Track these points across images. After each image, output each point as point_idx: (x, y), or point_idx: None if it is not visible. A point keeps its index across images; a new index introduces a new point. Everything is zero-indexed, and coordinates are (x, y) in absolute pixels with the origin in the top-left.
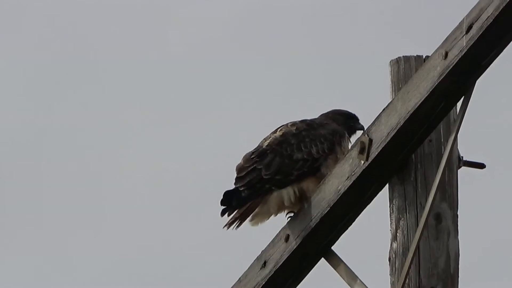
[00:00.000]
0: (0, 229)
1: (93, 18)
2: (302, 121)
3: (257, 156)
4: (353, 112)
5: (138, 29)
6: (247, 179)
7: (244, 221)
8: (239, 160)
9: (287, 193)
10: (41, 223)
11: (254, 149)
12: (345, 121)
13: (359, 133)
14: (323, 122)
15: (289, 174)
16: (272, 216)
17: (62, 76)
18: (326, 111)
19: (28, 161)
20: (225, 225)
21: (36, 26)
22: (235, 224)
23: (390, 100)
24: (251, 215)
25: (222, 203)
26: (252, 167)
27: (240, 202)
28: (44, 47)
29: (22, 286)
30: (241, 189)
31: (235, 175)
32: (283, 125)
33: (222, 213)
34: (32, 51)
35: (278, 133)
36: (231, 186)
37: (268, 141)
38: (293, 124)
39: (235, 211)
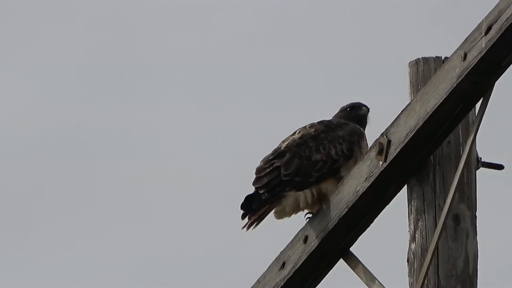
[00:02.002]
0: (36, 227)
1: (136, 18)
2: (320, 123)
3: (276, 157)
4: (351, 102)
5: (176, 28)
6: (266, 180)
7: (261, 221)
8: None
9: (304, 194)
10: (72, 222)
11: (273, 151)
12: (349, 115)
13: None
14: (340, 122)
15: (309, 176)
16: (292, 215)
17: (106, 77)
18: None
19: (59, 160)
20: (244, 227)
21: (87, 24)
22: (253, 225)
23: (409, 101)
24: (271, 212)
25: (243, 207)
26: (272, 167)
27: (260, 205)
28: (92, 46)
29: (56, 285)
30: (261, 191)
31: (254, 177)
32: (301, 128)
33: (243, 217)
34: (82, 51)
35: (296, 135)
36: (252, 188)
37: (286, 142)
38: (311, 126)
39: (255, 214)
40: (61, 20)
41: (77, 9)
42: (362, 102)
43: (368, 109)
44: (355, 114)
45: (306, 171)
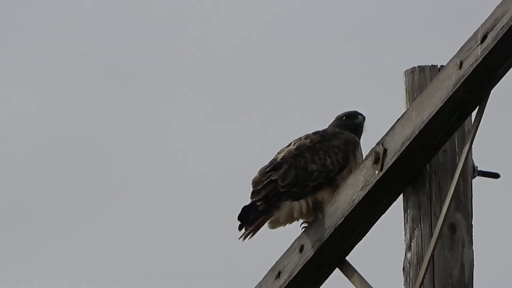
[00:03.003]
0: (52, 229)
1: (144, 17)
2: (315, 133)
3: (272, 169)
4: (347, 111)
5: (185, 27)
6: (264, 193)
7: (257, 231)
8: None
9: (299, 204)
10: (70, 223)
11: (269, 162)
12: (345, 124)
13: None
14: (335, 132)
15: (305, 185)
16: (286, 225)
17: (112, 76)
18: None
19: (57, 162)
20: (241, 237)
21: (98, 24)
22: (249, 235)
23: (404, 110)
24: (267, 222)
25: (240, 218)
26: (268, 180)
27: (257, 216)
28: (102, 46)
29: (53, 285)
30: (258, 203)
31: (251, 189)
32: (296, 139)
33: (240, 228)
34: (93, 52)
35: (292, 147)
36: (248, 199)
37: (282, 154)
38: (307, 137)
39: (252, 225)
40: (70, 22)
41: (87, 9)
42: (358, 111)
43: (364, 118)
44: (351, 122)
45: (303, 181)
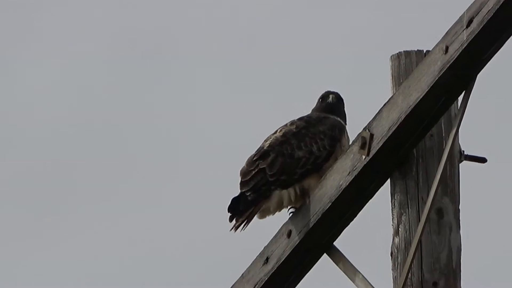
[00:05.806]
0: (55, 228)
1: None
2: (300, 119)
3: (260, 158)
4: (323, 92)
5: (205, 16)
6: (253, 183)
7: (250, 222)
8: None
9: (288, 193)
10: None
11: (256, 151)
12: (321, 105)
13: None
14: (320, 116)
15: (293, 173)
16: (276, 212)
17: (123, 74)
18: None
19: (78, 159)
20: (232, 228)
21: (106, 26)
22: (242, 226)
23: (391, 95)
24: (257, 212)
25: (230, 209)
26: (256, 169)
27: (247, 206)
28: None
29: (48, 284)
30: (247, 194)
31: (240, 180)
32: (282, 126)
33: (230, 219)
34: (105, 51)
35: (278, 134)
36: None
37: (269, 141)
38: (292, 123)
39: (242, 216)
40: (89, 16)
41: (106, 3)
42: (331, 90)
43: (336, 95)
44: (325, 103)
45: (291, 169)
